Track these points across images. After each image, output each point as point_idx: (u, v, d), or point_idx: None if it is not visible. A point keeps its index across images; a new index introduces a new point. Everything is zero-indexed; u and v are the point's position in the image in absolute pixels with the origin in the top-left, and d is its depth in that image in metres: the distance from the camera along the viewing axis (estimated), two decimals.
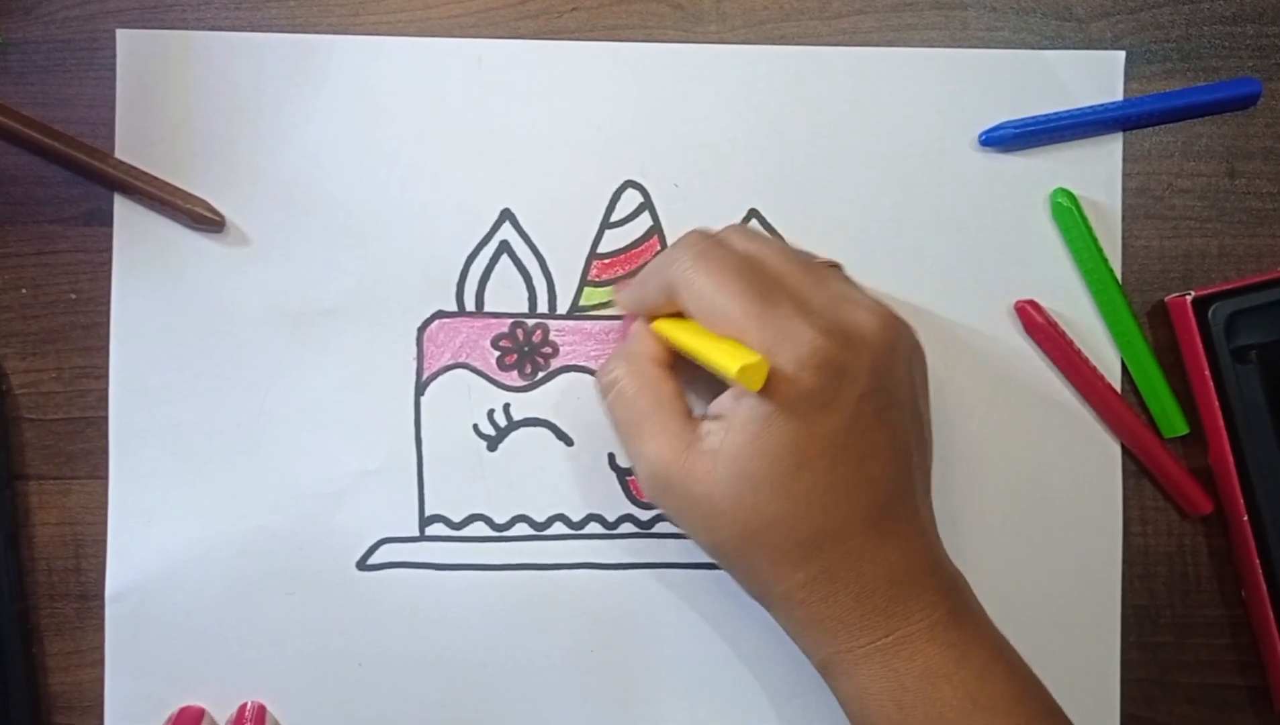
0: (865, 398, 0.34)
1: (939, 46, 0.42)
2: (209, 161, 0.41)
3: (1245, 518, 0.41)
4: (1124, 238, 0.42)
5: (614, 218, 0.42)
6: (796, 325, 0.33)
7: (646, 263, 0.41)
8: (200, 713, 0.40)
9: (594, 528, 0.41)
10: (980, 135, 0.41)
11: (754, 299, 0.34)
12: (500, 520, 0.41)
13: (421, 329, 0.41)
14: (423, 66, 0.41)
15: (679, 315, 0.37)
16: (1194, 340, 0.41)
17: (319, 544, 0.41)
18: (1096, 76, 0.42)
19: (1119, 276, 0.42)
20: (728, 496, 0.34)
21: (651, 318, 0.38)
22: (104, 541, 0.40)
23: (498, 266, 0.41)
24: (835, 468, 0.34)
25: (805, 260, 0.37)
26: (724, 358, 0.33)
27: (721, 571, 0.41)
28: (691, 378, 0.39)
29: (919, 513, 0.36)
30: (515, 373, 0.41)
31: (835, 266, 0.39)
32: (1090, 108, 0.41)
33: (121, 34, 0.41)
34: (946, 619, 0.34)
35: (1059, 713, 0.35)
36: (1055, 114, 0.41)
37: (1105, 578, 0.42)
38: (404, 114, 0.41)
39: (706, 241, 0.36)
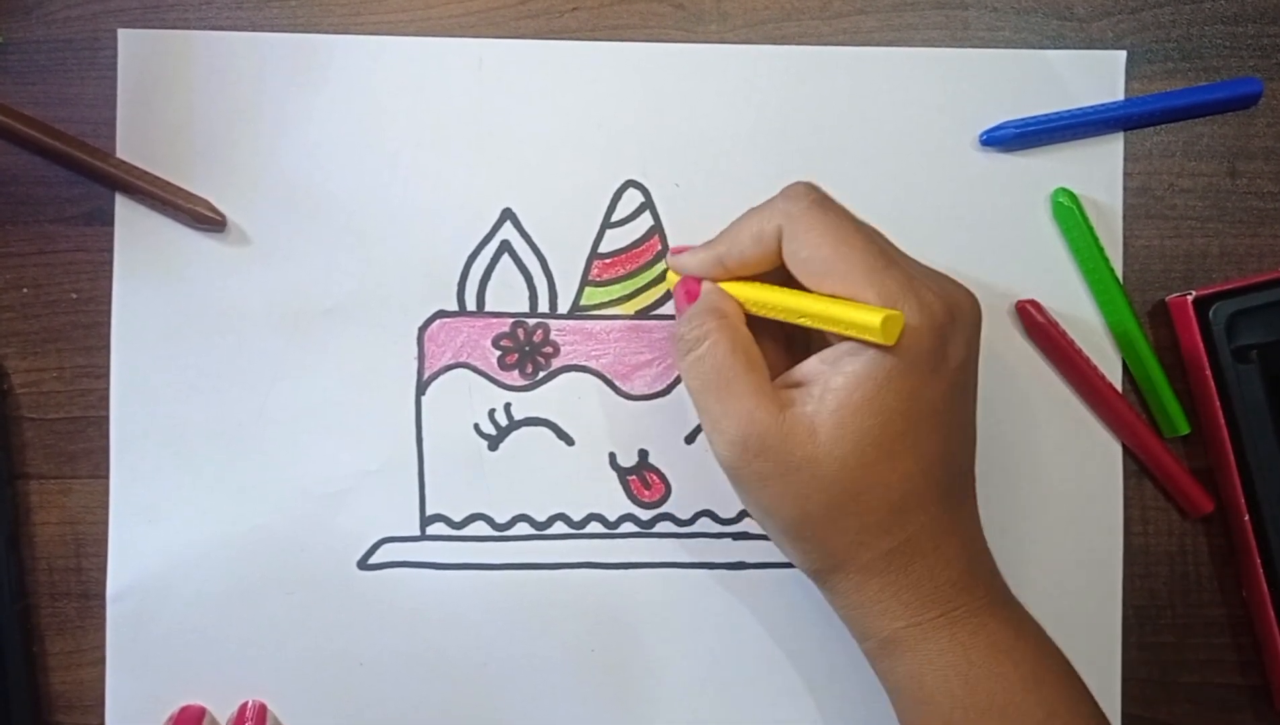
0: (960, 369, 0.34)
1: (940, 46, 0.42)
2: (210, 161, 0.41)
3: (1246, 517, 0.41)
4: (1125, 237, 0.42)
5: (615, 217, 0.42)
6: (918, 286, 0.33)
7: (647, 262, 0.41)
8: (201, 711, 0.40)
9: (595, 527, 0.41)
10: (981, 135, 0.41)
11: (878, 255, 0.34)
12: (501, 520, 0.41)
13: (422, 328, 0.41)
14: (424, 66, 0.41)
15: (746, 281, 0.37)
16: (1195, 340, 0.41)
17: (320, 543, 0.41)
18: (1097, 76, 0.42)
19: (1120, 276, 0.42)
20: (832, 459, 0.33)
21: (720, 280, 0.37)
22: (105, 541, 0.41)
23: (499, 266, 0.41)
24: (935, 433, 0.34)
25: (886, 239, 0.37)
26: (854, 311, 0.33)
27: (720, 572, 0.41)
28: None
29: (974, 491, 0.37)
30: (516, 372, 0.41)
31: None
32: (1090, 107, 0.41)
33: (123, 34, 0.41)
34: (1004, 595, 0.35)
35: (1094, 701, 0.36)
36: (1056, 114, 0.41)
37: (1106, 577, 0.42)
38: (405, 114, 0.41)
39: (820, 193, 0.35)
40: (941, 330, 0.33)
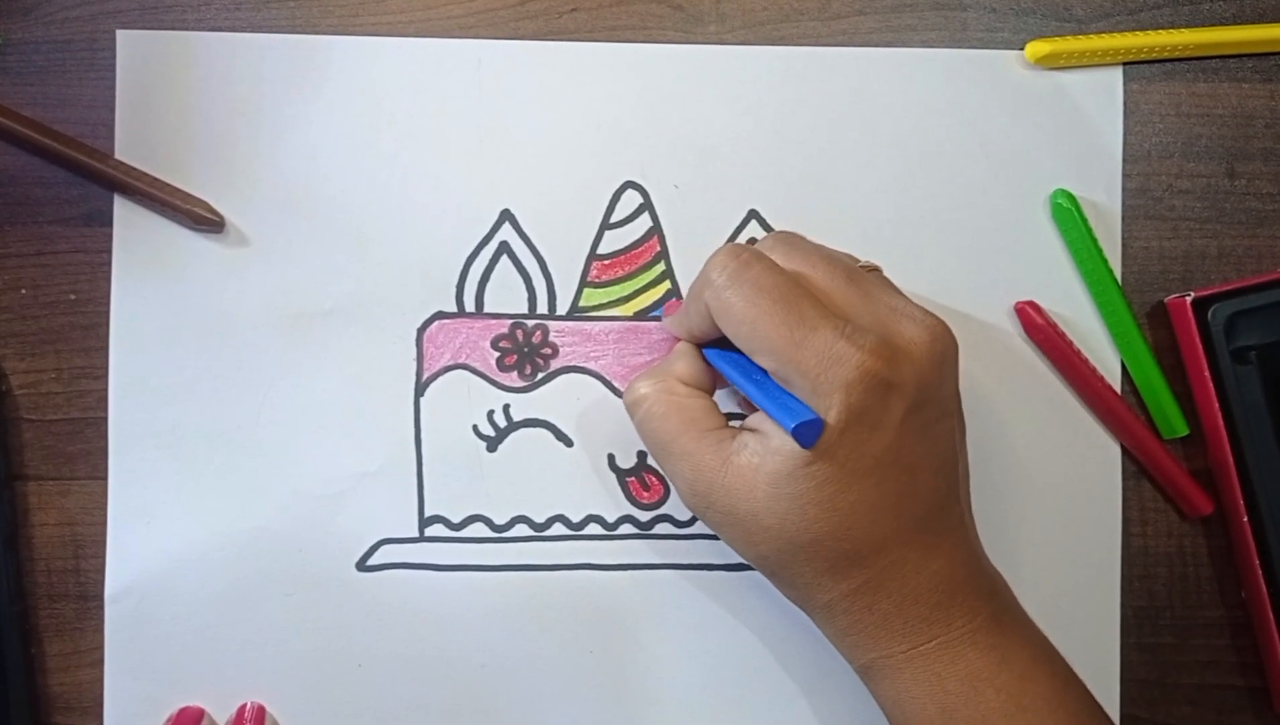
0: (912, 412, 0.34)
1: (938, 47, 0.42)
2: (209, 162, 0.41)
3: (1245, 518, 0.41)
4: (1124, 238, 0.42)
5: (614, 219, 0.42)
6: (842, 348, 0.33)
7: (646, 263, 0.41)
8: (200, 713, 0.40)
9: (593, 528, 0.41)
10: None
11: (795, 324, 0.33)
12: (500, 521, 0.41)
13: (421, 330, 0.41)
14: (423, 67, 0.41)
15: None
16: (1194, 341, 0.41)
17: (319, 545, 0.41)
18: (1097, 78, 0.42)
19: (1119, 277, 0.42)
20: (773, 513, 0.34)
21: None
22: (103, 542, 0.40)
23: (497, 267, 0.41)
24: (882, 484, 0.34)
25: (849, 269, 0.36)
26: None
27: (718, 573, 0.41)
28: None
29: (962, 519, 0.36)
30: (515, 373, 0.41)
31: (875, 270, 0.38)
32: None
33: (122, 35, 0.41)
34: (988, 623, 0.35)
35: (1100, 712, 0.36)
36: None
37: (1105, 578, 0.42)
38: (404, 115, 0.41)
39: (739, 261, 0.35)
40: (877, 387, 0.33)
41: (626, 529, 0.41)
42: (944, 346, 0.35)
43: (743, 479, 0.34)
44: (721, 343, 0.37)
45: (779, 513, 0.34)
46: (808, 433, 0.32)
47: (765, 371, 0.35)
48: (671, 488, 0.41)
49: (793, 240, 0.37)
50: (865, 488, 0.33)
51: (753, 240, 0.41)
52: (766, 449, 0.34)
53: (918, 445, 0.34)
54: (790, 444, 0.33)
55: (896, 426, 0.33)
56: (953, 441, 0.36)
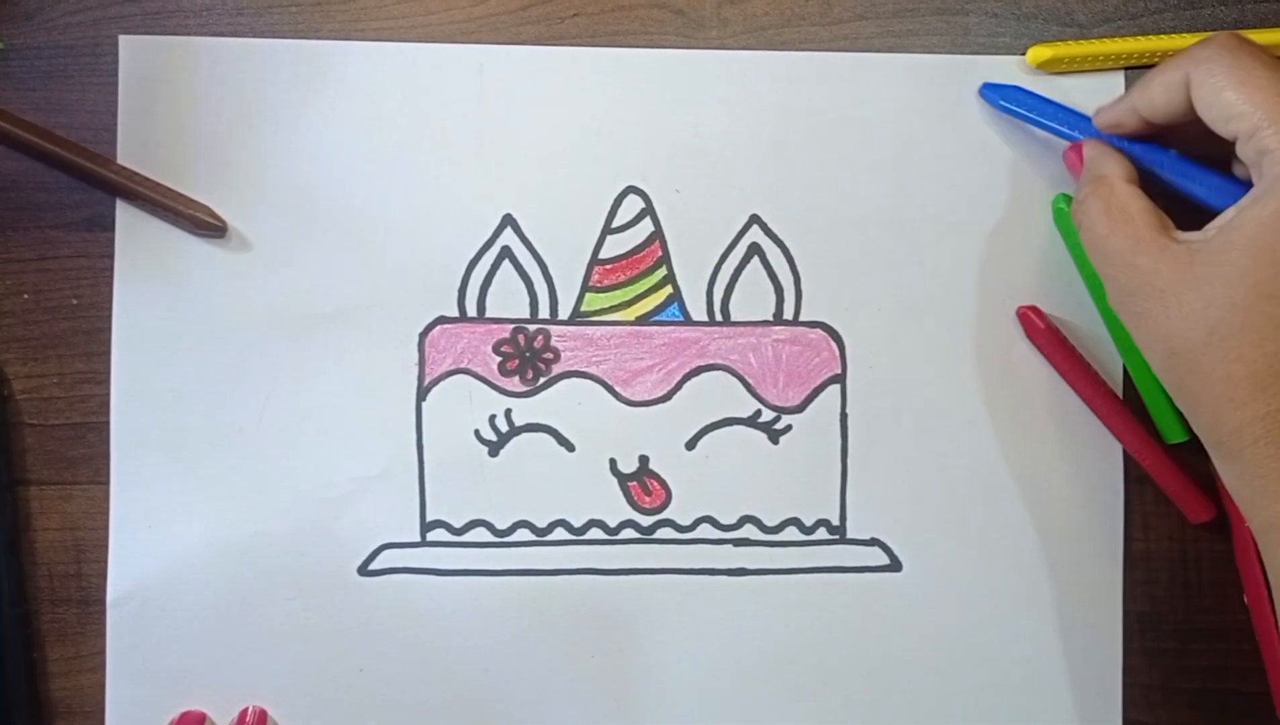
0: None
1: (940, 52, 0.42)
2: (211, 167, 0.41)
3: (1247, 523, 0.41)
4: None
5: (615, 223, 0.42)
6: None
7: (648, 268, 0.41)
8: (201, 717, 0.40)
9: (595, 533, 0.41)
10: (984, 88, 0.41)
11: None
12: (501, 526, 0.41)
13: (423, 334, 0.41)
14: (424, 72, 0.41)
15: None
16: None
17: (320, 549, 0.41)
18: (1098, 82, 0.42)
19: None
20: (1200, 293, 0.32)
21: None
22: (105, 547, 0.41)
23: (499, 272, 0.41)
24: None
25: None
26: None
27: (720, 578, 0.41)
28: None
29: None
30: (517, 378, 0.41)
31: None
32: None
33: (124, 40, 0.41)
34: None
35: None
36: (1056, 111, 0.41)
37: (1107, 583, 0.42)
38: (406, 119, 0.41)
39: (1238, 39, 0.35)
40: None
41: (628, 534, 0.41)
42: None
43: (1178, 257, 0.33)
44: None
45: (1208, 294, 0.32)
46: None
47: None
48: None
49: None
50: None
51: (755, 245, 0.41)
52: (1215, 228, 0.33)
53: None
54: (1238, 216, 0.32)
55: None
56: None
